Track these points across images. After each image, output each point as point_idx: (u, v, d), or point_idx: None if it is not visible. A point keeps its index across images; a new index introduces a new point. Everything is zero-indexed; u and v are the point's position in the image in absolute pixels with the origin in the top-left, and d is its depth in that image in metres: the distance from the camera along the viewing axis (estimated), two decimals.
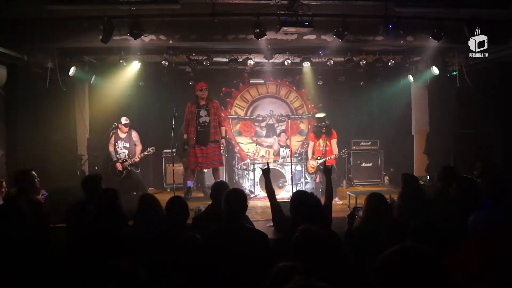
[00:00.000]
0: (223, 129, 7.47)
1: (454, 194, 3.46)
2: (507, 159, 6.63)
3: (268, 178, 3.96)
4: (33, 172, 4.24)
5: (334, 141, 7.66)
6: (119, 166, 7.54)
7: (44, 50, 6.72)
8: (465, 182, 3.51)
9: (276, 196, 3.77)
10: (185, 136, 7.28)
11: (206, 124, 7.19)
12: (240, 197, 3.04)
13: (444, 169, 4.26)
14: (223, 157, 8.12)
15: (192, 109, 7.20)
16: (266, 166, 4.13)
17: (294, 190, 6.11)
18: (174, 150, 7.46)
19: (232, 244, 2.86)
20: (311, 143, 7.84)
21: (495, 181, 3.34)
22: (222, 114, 8.32)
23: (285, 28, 5.60)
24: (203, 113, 7.21)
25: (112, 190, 3.70)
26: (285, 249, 2.43)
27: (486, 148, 7.16)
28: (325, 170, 4.11)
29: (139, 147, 7.71)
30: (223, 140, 7.51)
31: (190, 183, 7.67)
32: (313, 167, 7.77)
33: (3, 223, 3.22)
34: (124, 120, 7.61)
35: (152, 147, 7.70)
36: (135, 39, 5.67)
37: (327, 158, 7.48)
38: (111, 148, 7.67)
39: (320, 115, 7.69)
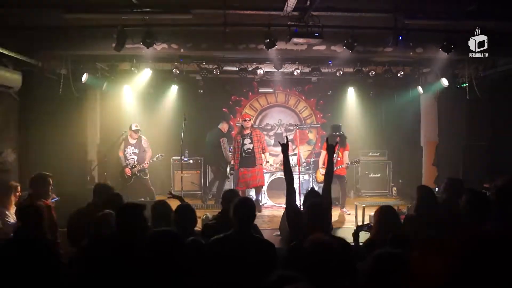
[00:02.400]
0: (267, 154, 8.02)
1: (463, 207, 3.44)
2: None
3: (287, 156, 3.59)
4: (50, 178, 4.35)
5: (346, 153, 7.72)
6: (128, 171, 7.61)
7: (58, 57, 6.85)
8: (473, 194, 3.49)
9: (283, 205, 3.69)
10: (232, 163, 8.06)
11: (250, 150, 7.80)
12: (248, 206, 3.02)
13: (449, 180, 4.26)
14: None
15: (238, 138, 7.88)
16: (285, 141, 3.68)
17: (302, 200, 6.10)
18: (183, 157, 7.57)
19: (238, 252, 2.85)
20: (323, 152, 7.87)
21: (505, 194, 3.32)
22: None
23: (295, 39, 5.63)
24: (247, 141, 7.83)
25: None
26: (295, 259, 2.41)
27: (496, 161, 7.09)
28: (329, 147, 3.75)
29: (148, 153, 7.77)
30: (266, 164, 8.16)
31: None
32: (322, 175, 7.78)
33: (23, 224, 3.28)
34: (134, 126, 7.68)
35: (161, 154, 7.77)
36: (148, 47, 5.77)
37: (338, 167, 7.50)
38: (120, 154, 7.74)
39: (336, 123, 7.92)
